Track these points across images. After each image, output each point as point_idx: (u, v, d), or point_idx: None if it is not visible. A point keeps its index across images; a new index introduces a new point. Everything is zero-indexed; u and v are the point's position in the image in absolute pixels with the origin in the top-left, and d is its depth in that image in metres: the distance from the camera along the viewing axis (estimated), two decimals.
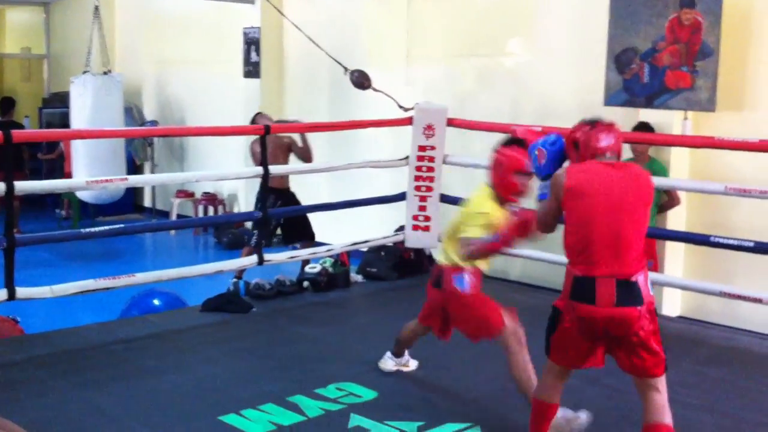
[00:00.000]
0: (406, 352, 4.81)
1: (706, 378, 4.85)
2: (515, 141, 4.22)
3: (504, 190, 4.13)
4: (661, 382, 3.40)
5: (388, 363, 4.81)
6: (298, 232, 7.23)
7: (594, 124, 3.58)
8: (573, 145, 3.58)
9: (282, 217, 7.07)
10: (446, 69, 8.28)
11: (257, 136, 6.45)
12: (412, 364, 4.84)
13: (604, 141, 3.48)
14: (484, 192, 4.20)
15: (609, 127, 3.56)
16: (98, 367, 4.91)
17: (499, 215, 4.05)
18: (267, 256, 6.35)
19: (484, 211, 4.06)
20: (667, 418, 3.38)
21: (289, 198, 7.15)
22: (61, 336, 5.50)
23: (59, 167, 11.26)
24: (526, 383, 4.00)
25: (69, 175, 9.67)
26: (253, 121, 7.22)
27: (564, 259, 6.47)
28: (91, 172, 8.23)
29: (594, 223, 3.34)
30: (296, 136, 7.14)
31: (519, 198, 4.16)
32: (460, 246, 4.03)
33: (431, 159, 6.97)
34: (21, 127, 10.77)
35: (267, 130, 6.30)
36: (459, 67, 8.18)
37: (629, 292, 3.26)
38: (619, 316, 3.26)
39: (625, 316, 3.25)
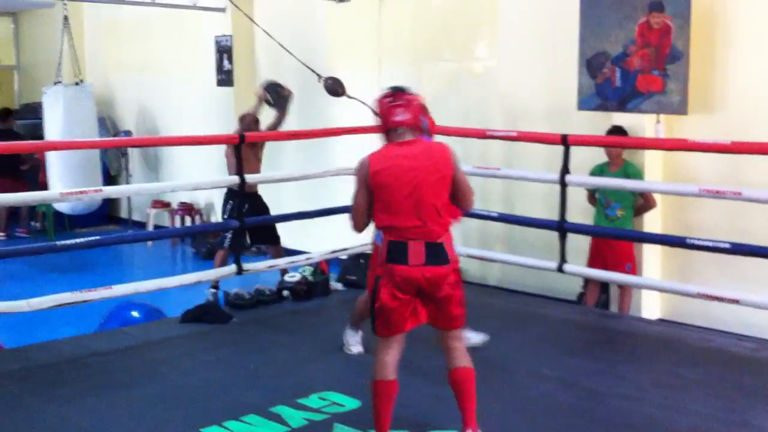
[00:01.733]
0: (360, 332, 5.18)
1: (683, 379, 4.89)
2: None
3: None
4: (461, 333, 3.88)
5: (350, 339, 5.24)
6: (264, 234, 7.31)
7: (395, 96, 3.87)
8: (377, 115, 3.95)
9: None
10: (416, 73, 8.29)
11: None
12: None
13: (400, 116, 3.82)
14: None
15: (408, 100, 3.86)
16: (75, 381, 4.87)
17: None
18: (246, 266, 6.33)
19: None
20: (467, 362, 3.81)
21: (257, 200, 7.27)
22: (37, 350, 5.45)
23: (33, 178, 11.17)
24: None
25: (44, 186, 9.60)
26: (241, 120, 7.41)
27: (540, 263, 6.55)
28: (66, 183, 8.18)
29: (399, 203, 3.74)
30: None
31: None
32: None
33: None
34: (19, 136, 10.69)
35: (242, 139, 6.29)
36: (428, 72, 8.21)
37: (436, 253, 3.69)
38: (429, 274, 3.68)
39: (435, 274, 3.68)
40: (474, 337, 5.08)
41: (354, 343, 5.23)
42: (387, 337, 3.80)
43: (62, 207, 9.34)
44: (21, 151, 10.84)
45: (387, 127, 3.88)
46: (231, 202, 7.20)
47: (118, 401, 4.54)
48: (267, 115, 7.60)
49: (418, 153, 3.78)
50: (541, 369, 4.97)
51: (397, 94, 3.87)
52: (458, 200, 3.87)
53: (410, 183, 3.71)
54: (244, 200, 6.61)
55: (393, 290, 3.71)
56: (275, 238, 7.39)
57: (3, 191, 9.70)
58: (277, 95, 7.46)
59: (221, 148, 7.45)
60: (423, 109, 4.12)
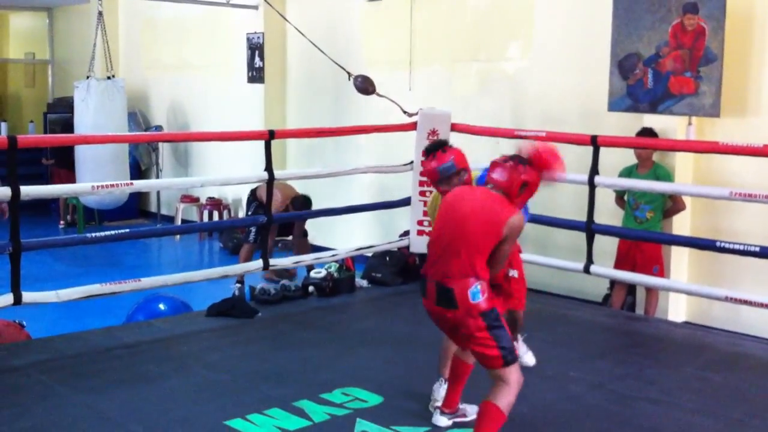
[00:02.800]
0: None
1: (710, 383, 4.84)
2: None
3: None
4: (502, 373, 3.67)
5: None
6: (288, 229, 7.39)
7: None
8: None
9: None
10: (448, 74, 8.30)
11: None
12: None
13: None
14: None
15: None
16: (102, 372, 4.91)
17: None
18: (272, 261, 6.35)
19: None
20: (493, 397, 3.67)
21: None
22: (66, 341, 5.51)
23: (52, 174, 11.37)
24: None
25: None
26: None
27: (567, 264, 6.51)
28: (94, 176, 8.24)
29: (436, 232, 3.84)
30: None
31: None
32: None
33: None
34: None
35: (272, 134, 6.31)
36: (461, 72, 8.20)
37: (445, 296, 3.67)
38: (436, 313, 3.76)
39: (441, 314, 3.73)
40: (526, 358, 4.87)
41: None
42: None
43: (89, 201, 9.40)
44: (53, 144, 11.01)
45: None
46: (255, 202, 7.31)
47: (144, 392, 4.58)
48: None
49: (477, 197, 3.81)
50: (568, 371, 4.95)
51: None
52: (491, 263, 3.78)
53: (454, 219, 3.75)
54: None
55: None
56: (303, 233, 7.44)
57: (60, 182, 9.94)
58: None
59: (250, 145, 7.52)
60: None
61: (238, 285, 7.01)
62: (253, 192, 7.72)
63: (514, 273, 4.74)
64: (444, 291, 3.66)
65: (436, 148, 4.41)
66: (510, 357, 3.67)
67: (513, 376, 3.67)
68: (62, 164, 10.80)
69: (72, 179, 9.08)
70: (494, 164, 3.83)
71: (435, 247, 3.78)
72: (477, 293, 3.63)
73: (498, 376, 3.68)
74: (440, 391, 4.29)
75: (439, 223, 3.83)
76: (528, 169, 3.78)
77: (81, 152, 8.81)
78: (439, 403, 4.23)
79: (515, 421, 4.15)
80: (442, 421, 4.15)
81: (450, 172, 4.33)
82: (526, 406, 4.35)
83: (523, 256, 6.97)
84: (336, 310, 6.42)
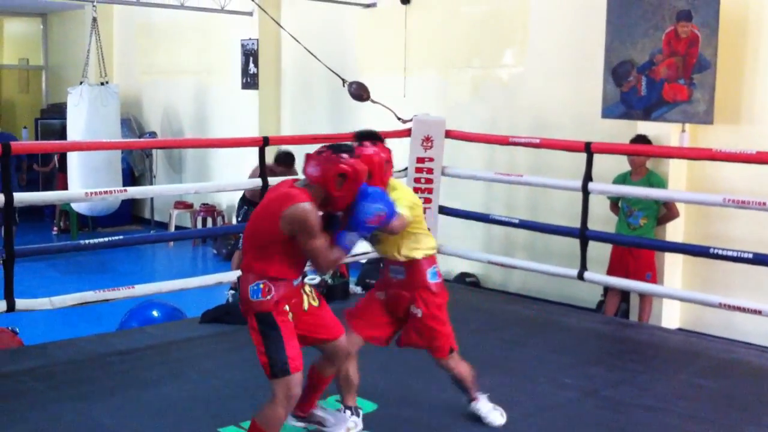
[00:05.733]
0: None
1: (704, 390, 4.85)
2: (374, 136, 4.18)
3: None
4: (271, 383, 3.55)
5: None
6: None
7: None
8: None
9: None
10: (442, 80, 8.31)
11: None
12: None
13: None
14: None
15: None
16: (96, 378, 4.89)
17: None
18: None
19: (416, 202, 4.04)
20: (257, 412, 3.61)
21: None
22: (59, 347, 5.48)
23: (54, 179, 11.32)
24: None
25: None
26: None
27: (561, 270, 6.52)
28: (86, 183, 8.22)
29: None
30: None
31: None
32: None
33: (429, 170, 6.99)
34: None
35: (266, 141, 6.31)
36: (455, 79, 8.22)
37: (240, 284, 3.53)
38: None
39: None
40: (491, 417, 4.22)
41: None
42: None
43: (81, 207, 9.35)
44: (45, 150, 11.03)
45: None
46: (245, 207, 7.32)
47: (138, 399, 4.57)
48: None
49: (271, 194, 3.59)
50: (562, 378, 4.94)
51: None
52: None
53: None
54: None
55: None
56: None
57: (62, 186, 9.89)
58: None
59: (244, 152, 7.50)
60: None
61: (232, 291, 6.99)
62: (244, 194, 7.69)
63: (417, 311, 4.00)
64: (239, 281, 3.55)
65: (371, 137, 4.09)
66: (277, 368, 3.43)
67: (280, 389, 3.46)
68: (65, 169, 10.72)
69: None
70: (308, 157, 3.50)
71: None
72: (256, 291, 3.45)
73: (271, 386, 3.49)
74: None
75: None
76: (349, 159, 3.45)
77: (73, 158, 8.79)
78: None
79: (509, 427, 4.15)
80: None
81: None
82: (519, 411, 4.36)
83: (517, 262, 7.03)
84: None
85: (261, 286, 3.45)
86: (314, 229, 3.38)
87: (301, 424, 4.07)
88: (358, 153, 3.62)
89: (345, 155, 3.47)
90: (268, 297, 3.46)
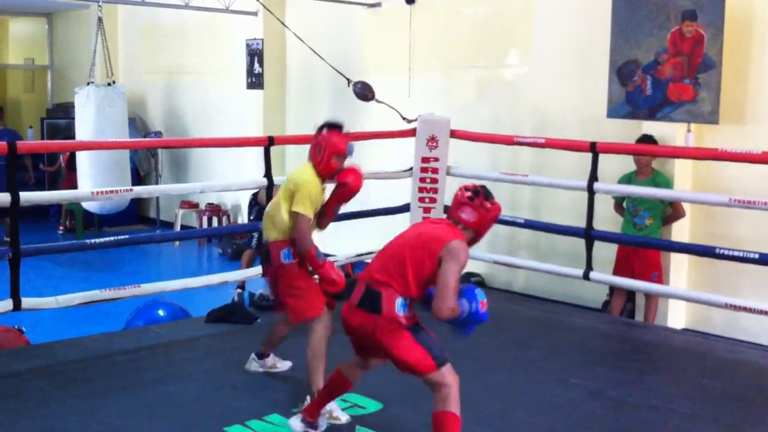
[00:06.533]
0: (271, 354, 5.02)
1: (709, 390, 4.84)
2: (336, 125, 4.59)
3: (324, 169, 4.56)
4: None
5: (252, 365, 5.00)
6: None
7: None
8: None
9: None
10: (447, 80, 8.31)
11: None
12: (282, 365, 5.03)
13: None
14: (306, 167, 4.56)
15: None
16: (101, 377, 4.91)
17: (318, 189, 4.55)
18: None
19: (308, 179, 4.48)
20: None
21: None
22: (65, 346, 5.50)
23: (60, 179, 11.34)
24: (315, 369, 4.35)
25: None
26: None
27: (566, 270, 6.52)
28: (95, 182, 8.25)
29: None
30: None
31: (333, 177, 4.63)
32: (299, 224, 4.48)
33: (435, 170, 6.99)
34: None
35: (271, 141, 6.32)
36: (460, 79, 8.22)
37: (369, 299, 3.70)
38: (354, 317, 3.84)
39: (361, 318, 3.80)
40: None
41: (255, 367, 5.08)
42: None
43: (91, 206, 9.41)
44: (52, 150, 11.06)
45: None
46: (257, 207, 7.33)
47: (143, 398, 4.58)
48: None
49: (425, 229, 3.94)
50: (567, 377, 4.94)
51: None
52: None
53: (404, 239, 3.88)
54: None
55: None
56: None
57: (70, 185, 9.92)
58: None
59: (249, 151, 7.51)
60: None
61: (239, 290, 7.00)
62: (255, 196, 7.72)
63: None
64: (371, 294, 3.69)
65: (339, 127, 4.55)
66: (441, 359, 3.68)
67: (445, 377, 3.68)
68: (74, 167, 10.74)
69: None
70: (460, 203, 3.83)
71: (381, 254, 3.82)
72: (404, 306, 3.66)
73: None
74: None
75: (395, 239, 3.90)
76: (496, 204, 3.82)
77: (83, 158, 8.82)
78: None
79: (514, 426, 4.15)
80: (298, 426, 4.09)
81: (351, 154, 4.57)
82: (524, 411, 4.36)
83: (522, 262, 7.03)
84: (335, 316, 6.39)
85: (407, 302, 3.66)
86: (462, 266, 3.63)
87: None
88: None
89: (492, 203, 3.80)
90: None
